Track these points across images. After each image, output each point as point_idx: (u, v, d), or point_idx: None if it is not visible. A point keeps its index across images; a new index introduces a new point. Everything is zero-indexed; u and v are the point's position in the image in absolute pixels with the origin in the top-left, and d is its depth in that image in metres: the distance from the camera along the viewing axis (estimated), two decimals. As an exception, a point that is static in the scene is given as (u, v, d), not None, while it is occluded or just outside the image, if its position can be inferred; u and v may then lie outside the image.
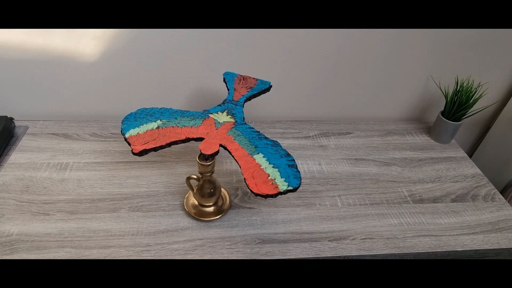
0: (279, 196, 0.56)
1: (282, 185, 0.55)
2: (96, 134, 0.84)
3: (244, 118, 0.66)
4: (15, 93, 0.84)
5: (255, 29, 0.80)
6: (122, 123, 0.62)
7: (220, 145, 0.60)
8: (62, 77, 0.83)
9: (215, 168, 0.63)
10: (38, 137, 0.81)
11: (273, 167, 0.58)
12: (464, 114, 0.88)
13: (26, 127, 0.84)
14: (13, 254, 0.57)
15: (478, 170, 0.85)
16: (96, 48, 0.79)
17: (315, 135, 0.92)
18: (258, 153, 0.60)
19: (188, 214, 0.66)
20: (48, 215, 0.63)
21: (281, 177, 0.56)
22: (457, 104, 0.87)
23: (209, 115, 0.66)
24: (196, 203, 0.67)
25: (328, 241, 0.64)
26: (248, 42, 0.82)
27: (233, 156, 0.59)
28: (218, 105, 0.68)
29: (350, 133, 0.94)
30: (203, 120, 0.65)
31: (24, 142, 0.79)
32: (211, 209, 0.66)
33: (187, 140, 0.61)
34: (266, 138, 0.63)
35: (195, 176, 0.62)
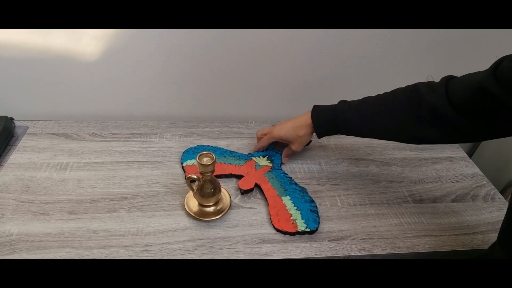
0: (296, 235, 0.64)
1: (301, 226, 0.63)
2: (96, 134, 0.84)
3: (280, 165, 0.78)
4: (15, 93, 0.84)
5: (255, 29, 0.80)
6: (182, 154, 0.78)
7: (256, 184, 0.71)
8: (62, 77, 0.83)
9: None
10: (38, 137, 0.81)
11: (296, 209, 0.67)
12: (464, 114, 0.88)
13: (26, 127, 0.84)
14: (13, 254, 0.57)
15: (478, 170, 0.85)
16: (96, 48, 0.79)
17: (315, 135, 0.91)
18: (286, 196, 0.69)
19: (188, 214, 0.66)
20: (48, 215, 0.63)
21: (302, 219, 0.65)
22: (457, 104, 0.87)
23: (252, 157, 0.79)
24: (196, 203, 0.67)
25: (328, 241, 0.64)
26: (248, 42, 0.82)
27: (264, 195, 0.70)
28: (261, 151, 0.81)
29: (350, 133, 0.93)
30: (246, 161, 0.77)
31: (24, 142, 0.79)
32: (211, 209, 0.66)
33: (230, 175, 0.74)
34: (296, 184, 0.73)
35: (195, 176, 0.62)
